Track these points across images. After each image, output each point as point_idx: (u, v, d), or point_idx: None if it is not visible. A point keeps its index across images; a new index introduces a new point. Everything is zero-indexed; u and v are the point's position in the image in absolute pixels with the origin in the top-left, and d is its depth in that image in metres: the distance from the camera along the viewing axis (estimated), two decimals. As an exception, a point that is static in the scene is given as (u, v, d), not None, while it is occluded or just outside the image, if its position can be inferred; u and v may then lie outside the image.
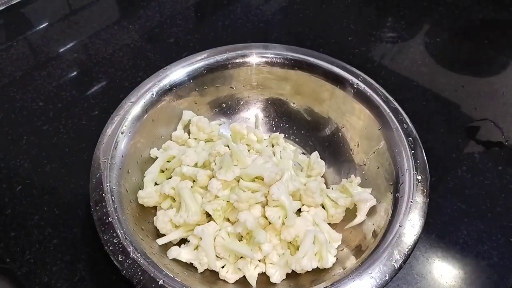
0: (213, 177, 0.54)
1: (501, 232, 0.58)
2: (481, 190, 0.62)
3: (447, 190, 0.62)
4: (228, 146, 0.56)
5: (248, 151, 0.60)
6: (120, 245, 0.44)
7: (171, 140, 0.62)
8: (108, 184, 0.49)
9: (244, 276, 0.50)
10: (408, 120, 0.56)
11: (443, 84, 0.76)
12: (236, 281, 0.51)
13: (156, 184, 0.57)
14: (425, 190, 0.50)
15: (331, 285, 0.44)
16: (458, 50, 0.83)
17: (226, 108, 0.66)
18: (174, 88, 0.60)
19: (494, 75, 0.79)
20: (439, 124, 0.70)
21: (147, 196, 0.54)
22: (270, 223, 0.52)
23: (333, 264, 0.50)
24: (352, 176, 0.58)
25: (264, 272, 0.51)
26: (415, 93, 0.74)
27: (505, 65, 0.80)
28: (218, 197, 0.53)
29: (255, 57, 0.63)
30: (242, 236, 0.52)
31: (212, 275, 0.51)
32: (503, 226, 0.58)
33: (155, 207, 0.56)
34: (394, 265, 0.44)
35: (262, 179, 0.53)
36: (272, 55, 0.62)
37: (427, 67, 0.79)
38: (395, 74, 0.78)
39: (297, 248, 0.50)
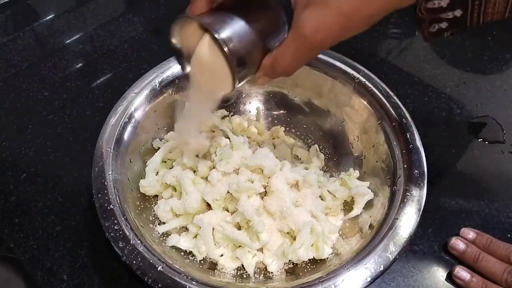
0: (214, 168, 0.55)
1: (498, 227, 0.58)
2: (479, 186, 0.62)
3: (446, 185, 0.62)
4: (229, 138, 0.57)
5: (249, 143, 0.61)
6: (120, 232, 0.45)
7: (173, 131, 0.63)
8: (110, 173, 0.50)
9: (242, 265, 0.51)
10: (407, 115, 0.56)
11: (445, 80, 0.76)
12: (234, 269, 0.51)
13: (157, 173, 0.58)
14: (422, 184, 0.50)
15: (326, 275, 0.44)
16: (462, 47, 0.83)
17: (228, 101, 0.67)
18: (176, 80, 0.61)
19: (497, 72, 0.79)
20: (439, 119, 0.70)
21: (149, 185, 0.55)
22: (268, 213, 0.53)
23: (330, 255, 0.51)
24: (351, 169, 0.59)
25: (262, 261, 0.52)
26: (416, 88, 0.74)
27: (508, 62, 0.80)
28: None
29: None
30: (241, 226, 0.53)
31: (210, 263, 0.52)
32: (500, 222, 0.59)
33: (156, 196, 0.57)
34: (389, 257, 0.45)
35: (262, 171, 0.54)
36: (274, 49, 0.63)
37: (430, 63, 0.79)
38: (398, 69, 0.78)
39: (295, 238, 0.51)
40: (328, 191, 0.57)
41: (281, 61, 0.39)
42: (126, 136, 0.55)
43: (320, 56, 0.61)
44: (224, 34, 0.38)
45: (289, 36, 0.38)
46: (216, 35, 0.37)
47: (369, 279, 0.43)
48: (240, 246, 0.51)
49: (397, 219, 0.47)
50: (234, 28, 0.38)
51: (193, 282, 0.43)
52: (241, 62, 0.39)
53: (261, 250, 0.52)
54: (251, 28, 0.39)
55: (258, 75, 0.42)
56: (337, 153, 0.63)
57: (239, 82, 0.41)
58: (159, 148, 0.59)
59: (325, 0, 0.34)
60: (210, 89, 0.44)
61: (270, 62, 0.40)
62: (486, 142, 0.67)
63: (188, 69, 0.46)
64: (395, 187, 0.51)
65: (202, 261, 0.51)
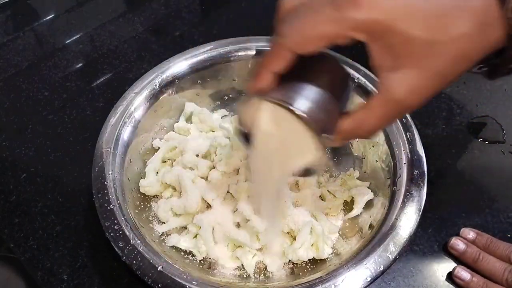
0: (214, 168, 0.55)
1: (498, 227, 0.58)
2: (479, 186, 0.62)
3: (446, 185, 0.62)
4: (229, 138, 0.57)
5: (249, 143, 0.61)
6: (120, 232, 0.45)
7: (173, 131, 0.63)
8: (110, 173, 0.50)
9: (242, 265, 0.51)
10: (407, 115, 0.56)
11: (445, 81, 0.76)
12: (234, 269, 0.51)
13: (157, 173, 0.58)
14: (422, 184, 0.50)
15: (326, 274, 0.44)
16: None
17: (228, 101, 0.67)
18: (176, 80, 0.61)
19: (497, 72, 0.79)
20: (439, 119, 0.70)
21: (149, 185, 0.55)
22: (268, 214, 0.53)
23: (330, 255, 0.51)
24: (351, 169, 0.59)
25: (262, 261, 0.52)
26: (416, 89, 0.74)
27: (508, 63, 0.80)
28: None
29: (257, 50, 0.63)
30: (240, 226, 0.53)
31: (210, 263, 0.52)
32: (500, 222, 0.58)
33: (156, 196, 0.57)
34: (389, 257, 0.45)
35: (262, 171, 0.53)
36: (274, 49, 0.63)
37: (430, 63, 0.79)
38: (398, 69, 0.78)
39: (295, 238, 0.51)
40: (328, 191, 0.57)
41: (365, 126, 0.37)
42: (126, 136, 0.55)
43: (320, 56, 0.61)
44: (302, 105, 0.36)
45: (375, 100, 0.35)
46: (294, 109, 0.35)
47: (369, 279, 0.43)
48: (240, 246, 0.51)
49: (397, 219, 0.47)
50: (309, 96, 0.36)
51: (193, 282, 0.43)
52: (322, 130, 0.37)
53: (261, 250, 0.52)
54: (323, 92, 0.37)
55: (335, 137, 0.39)
56: (337, 153, 0.63)
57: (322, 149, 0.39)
58: (159, 148, 0.59)
59: (416, 61, 0.32)
60: (286, 162, 0.41)
61: (352, 127, 0.37)
62: (486, 142, 0.67)
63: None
64: (395, 187, 0.51)
65: (202, 261, 0.51)
